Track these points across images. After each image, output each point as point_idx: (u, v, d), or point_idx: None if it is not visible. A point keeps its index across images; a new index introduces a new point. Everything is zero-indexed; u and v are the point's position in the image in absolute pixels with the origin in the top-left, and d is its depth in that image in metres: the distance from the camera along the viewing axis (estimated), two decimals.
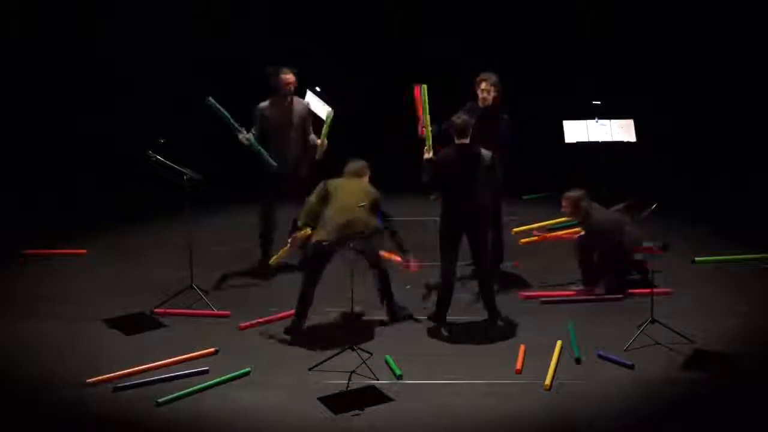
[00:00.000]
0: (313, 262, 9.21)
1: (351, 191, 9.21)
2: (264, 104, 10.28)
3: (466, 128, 9.15)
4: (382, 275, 9.41)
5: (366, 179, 9.48)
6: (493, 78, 9.99)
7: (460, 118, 9.21)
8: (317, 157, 10.37)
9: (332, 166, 9.72)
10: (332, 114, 10.25)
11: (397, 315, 9.46)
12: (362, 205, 9.06)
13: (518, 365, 8.64)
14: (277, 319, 9.44)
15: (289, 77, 10.18)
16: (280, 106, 10.23)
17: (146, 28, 13.63)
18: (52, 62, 13.61)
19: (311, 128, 10.43)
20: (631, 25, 13.67)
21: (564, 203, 9.87)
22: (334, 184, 9.33)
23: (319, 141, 10.32)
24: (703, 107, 13.33)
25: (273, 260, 9.71)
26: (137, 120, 13.11)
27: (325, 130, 10.31)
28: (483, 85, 10.00)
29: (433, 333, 9.26)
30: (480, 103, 10.02)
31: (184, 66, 13.71)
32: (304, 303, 9.21)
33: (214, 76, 13.74)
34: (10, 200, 12.36)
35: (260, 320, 9.42)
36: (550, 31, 13.61)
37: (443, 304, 9.36)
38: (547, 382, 8.37)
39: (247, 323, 9.37)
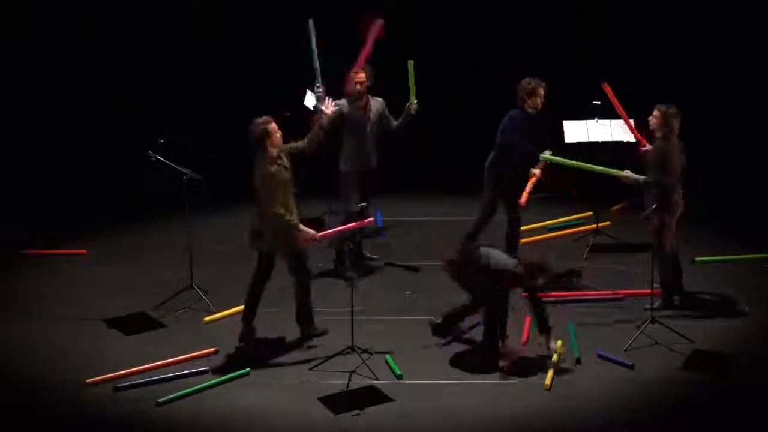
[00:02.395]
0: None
1: (254, 181, 8.79)
2: (342, 101, 10.20)
3: None
4: (301, 289, 9.01)
5: (269, 149, 8.71)
6: (545, 84, 10.04)
7: None
8: (413, 111, 10.16)
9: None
10: (412, 64, 9.94)
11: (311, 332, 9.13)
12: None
13: (523, 338, 8.93)
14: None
15: (358, 75, 10.12)
16: (355, 104, 10.20)
17: (147, 27, 13.62)
18: (52, 62, 13.60)
19: (392, 122, 10.36)
20: (631, 25, 13.66)
21: (655, 113, 9.45)
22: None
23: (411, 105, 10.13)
24: (704, 107, 13.30)
25: (208, 319, 9.55)
26: (137, 119, 13.12)
27: (412, 86, 10.08)
28: (542, 91, 9.99)
29: (433, 333, 9.25)
30: (532, 110, 9.98)
31: (184, 65, 13.70)
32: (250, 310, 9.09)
33: (213, 76, 13.77)
34: (10, 200, 12.35)
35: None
36: (549, 31, 13.60)
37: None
38: (547, 382, 8.38)
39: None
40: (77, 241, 11.24)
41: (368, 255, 10.64)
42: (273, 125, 8.75)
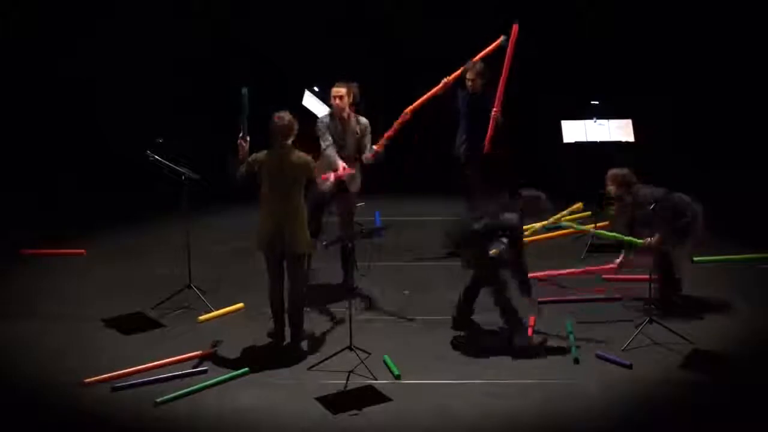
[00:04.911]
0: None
1: (279, 175, 8.73)
2: (324, 116, 9.87)
3: None
4: (302, 293, 8.96)
5: (291, 140, 8.75)
6: (477, 67, 10.38)
7: None
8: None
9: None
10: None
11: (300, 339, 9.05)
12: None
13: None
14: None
15: (337, 90, 9.72)
16: (334, 121, 9.78)
17: (147, 26, 13.64)
18: (52, 62, 13.61)
19: (368, 146, 9.84)
20: (631, 25, 13.67)
21: (609, 185, 9.44)
22: (260, 160, 8.76)
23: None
24: (703, 106, 13.33)
25: (203, 318, 9.55)
26: (137, 119, 13.13)
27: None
28: (469, 74, 10.41)
29: (432, 333, 9.26)
30: (472, 91, 10.48)
31: (184, 65, 13.71)
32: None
33: (213, 76, 13.78)
34: (10, 200, 12.35)
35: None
36: (549, 31, 13.61)
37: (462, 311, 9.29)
38: None
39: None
40: (77, 241, 11.24)
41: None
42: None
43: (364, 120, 9.88)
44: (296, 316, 8.95)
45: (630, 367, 8.59)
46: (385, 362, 8.67)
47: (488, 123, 10.34)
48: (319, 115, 10.21)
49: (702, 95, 13.29)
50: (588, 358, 8.75)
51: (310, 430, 7.87)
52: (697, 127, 13.23)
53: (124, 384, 8.36)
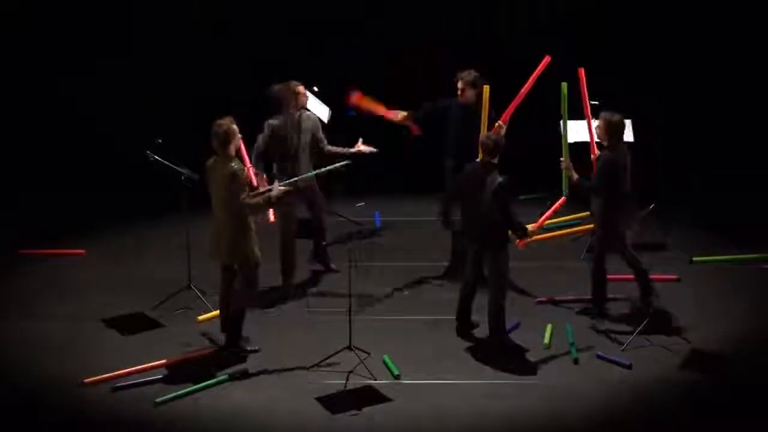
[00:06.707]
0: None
1: (217, 184, 8.69)
2: (273, 120, 9.79)
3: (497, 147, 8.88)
4: (236, 311, 8.81)
5: (231, 150, 8.65)
6: (469, 76, 10.15)
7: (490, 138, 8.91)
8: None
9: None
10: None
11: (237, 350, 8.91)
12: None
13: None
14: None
15: (299, 88, 9.76)
16: (288, 121, 9.77)
17: (147, 27, 13.65)
18: (52, 61, 13.62)
19: (324, 140, 9.92)
20: (631, 25, 13.68)
21: (599, 122, 9.31)
22: (207, 167, 8.78)
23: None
24: (703, 106, 13.33)
25: (202, 318, 9.54)
26: (137, 119, 13.14)
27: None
28: (460, 84, 10.16)
29: (431, 333, 9.26)
30: (464, 102, 10.19)
31: (185, 65, 13.72)
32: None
33: (214, 76, 13.79)
34: (10, 200, 12.36)
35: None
36: (549, 30, 13.62)
37: (461, 314, 9.24)
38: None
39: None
40: (77, 241, 11.25)
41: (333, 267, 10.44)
42: (235, 126, 8.70)
43: (313, 116, 9.99)
44: (233, 322, 8.81)
45: (630, 367, 8.59)
46: (384, 362, 8.68)
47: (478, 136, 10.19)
48: (323, 117, 10.24)
49: (702, 95, 13.29)
50: (588, 358, 8.76)
51: (310, 430, 7.88)
52: (696, 127, 13.23)
53: (124, 384, 8.37)
